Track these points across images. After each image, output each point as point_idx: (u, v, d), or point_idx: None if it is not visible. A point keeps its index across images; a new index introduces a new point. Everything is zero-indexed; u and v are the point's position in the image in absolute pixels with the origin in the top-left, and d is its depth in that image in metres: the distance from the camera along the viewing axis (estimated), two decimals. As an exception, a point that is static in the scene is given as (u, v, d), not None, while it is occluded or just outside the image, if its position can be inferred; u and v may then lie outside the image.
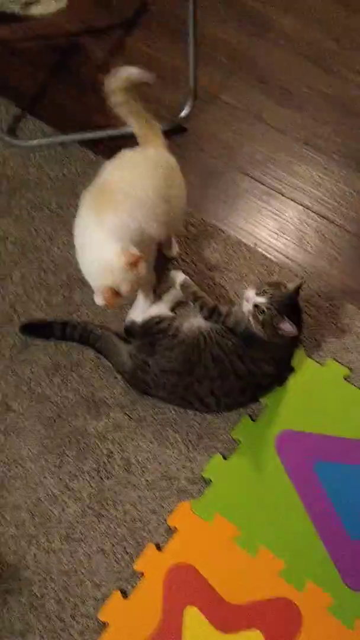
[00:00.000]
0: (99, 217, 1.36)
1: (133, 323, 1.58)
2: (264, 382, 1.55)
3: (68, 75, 2.11)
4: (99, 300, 1.35)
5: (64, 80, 2.10)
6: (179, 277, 1.61)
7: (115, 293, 1.33)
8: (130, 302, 1.61)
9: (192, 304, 1.59)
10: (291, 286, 1.47)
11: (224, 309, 1.55)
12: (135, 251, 1.32)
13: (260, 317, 1.44)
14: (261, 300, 1.44)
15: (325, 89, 2.10)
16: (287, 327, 1.43)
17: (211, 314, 1.54)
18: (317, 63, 2.15)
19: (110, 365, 1.61)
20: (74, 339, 1.63)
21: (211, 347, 1.50)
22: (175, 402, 1.54)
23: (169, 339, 1.50)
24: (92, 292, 1.64)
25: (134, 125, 1.52)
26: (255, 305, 1.45)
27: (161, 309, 1.59)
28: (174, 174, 1.51)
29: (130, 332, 1.59)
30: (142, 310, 1.58)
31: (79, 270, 1.63)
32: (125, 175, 1.44)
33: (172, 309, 1.63)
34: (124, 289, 1.34)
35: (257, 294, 1.45)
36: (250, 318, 1.47)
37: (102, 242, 1.34)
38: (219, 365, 1.49)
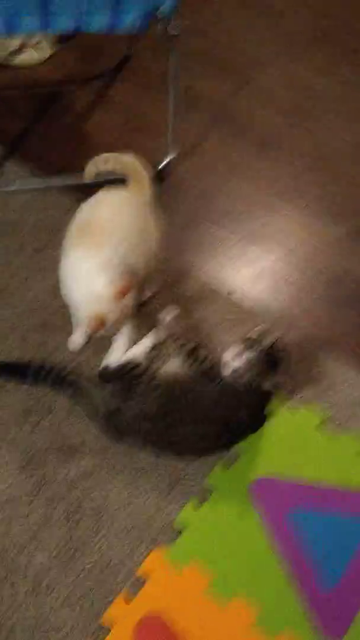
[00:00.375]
0: (87, 252, 1.44)
1: (107, 367, 1.57)
2: (238, 429, 1.53)
3: (50, 123, 2.16)
4: (77, 337, 1.49)
5: (46, 128, 2.14)
6: (173, 311, 1.61)
7: (101, 322, 1.39)
8: (106, 348, 1.61)
9: (173, 341, 1.59)
10: (266, 343, 1.52)
11: (203, 353, 1.55)
12: (123, 282, 1.41)
13: (240, 381, 1.48)
14: (238, 364, 1.49)
15: (302, 143, 2.17)
16: (266, 384, 1.48)
17: (191, 353, 1.54)
18: (295, 120, 2.22)
19: (83, 413, 1.59)
20: (47, 383, 1.61)
21: (187, 393, 1.49)
22: (149, 447, 1.52)
23: (145, 384, 1.49)
24: (67, 336, 1.65)
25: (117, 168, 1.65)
26: (234, 370, 1.49)
27: (137, 353, 1.58)
28: (149, 215, 1.59)
29: (104, 377, 1.57)
30: (118, 355, 1.57)
31: (55, 316, 1.64)
32: (107, 214, 1.52)
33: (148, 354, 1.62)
34: (111, 317, 1.41)
35: (235, 356, 1.50)
36: (231, 379, 1.50)
37: (92, 273, 1.43)
38: (194, 411, 1.48)
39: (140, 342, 1.61)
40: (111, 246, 1.46)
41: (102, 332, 1.45)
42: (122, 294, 1.40)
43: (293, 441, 1.59)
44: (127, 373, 1.52)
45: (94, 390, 1.56)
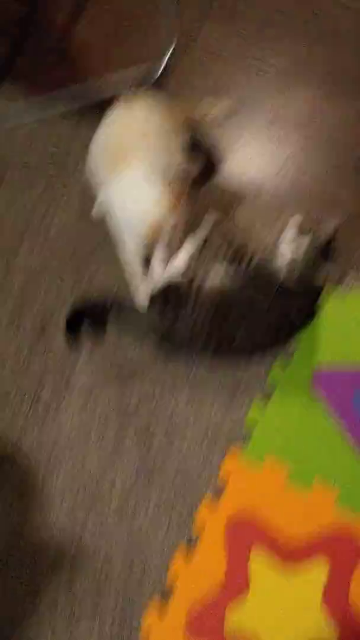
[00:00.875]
0: (130, 169, 1.43)
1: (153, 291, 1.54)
2: (292, 329, 1.53)
3: (35, 44, 2.03)
4: (142, 290, 1.45)
5: (32, 49, 2.01)
6: (213, 215, 1.58)
7: (157, 231, 1.40)
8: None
9: (220, 243, 1.56)
10: (327, 229, 1.50)
11: (248, 253, 1.53)
12: (175, 187, 1.42)
13: (296, 273, 1.46)
14: (295, 256, 1.48)
15: (304, 15, 1.99)
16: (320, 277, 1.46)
17: (236, 253, 1.52)
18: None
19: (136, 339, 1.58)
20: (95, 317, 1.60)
21: (237, 305, 1.47)
22: (209, 350, 1.50)
23: (192, 302, 1.47)
24: (100, 262, 1.62)
25: None
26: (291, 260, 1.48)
27: (178, 264, 1.53)
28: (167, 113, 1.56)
29: (152, 301, 1.54)
30: (159, 272, 1.53)
31: (83, 243, 1.59)
32: (135, 129, 1.49)
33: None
34: (170, 223, 1.40)
35: (289, 242, 1.49)
36: (286, 272, 1.48)
37: (143, 187, 1.42)
38: (247, 321, 1.47)
39: (179, 252, 1.56)
40: (151, 158, 1.45)
41: (160, 242, 1.44)
42: (177, 199, 1.40)
43: (346, 327, 1.57)
44: (172, 292, 1.49)
45: (140, 315, 1.54)
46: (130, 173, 1.43)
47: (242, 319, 1.46)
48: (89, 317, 1.59)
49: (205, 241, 1.52)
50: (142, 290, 1.53)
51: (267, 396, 1.52)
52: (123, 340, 1.59)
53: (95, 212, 1.71)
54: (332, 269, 1.58)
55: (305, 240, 1.48)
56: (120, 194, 1.45)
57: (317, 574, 1.36)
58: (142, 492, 1.46)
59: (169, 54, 1.91)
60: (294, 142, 1.82)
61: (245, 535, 1.40)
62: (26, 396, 1.58)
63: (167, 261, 1.53)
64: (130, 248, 1.53)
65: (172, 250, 1.54)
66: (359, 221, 1.68)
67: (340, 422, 1.48)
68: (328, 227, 1.47)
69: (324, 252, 1.47)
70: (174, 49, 1.90)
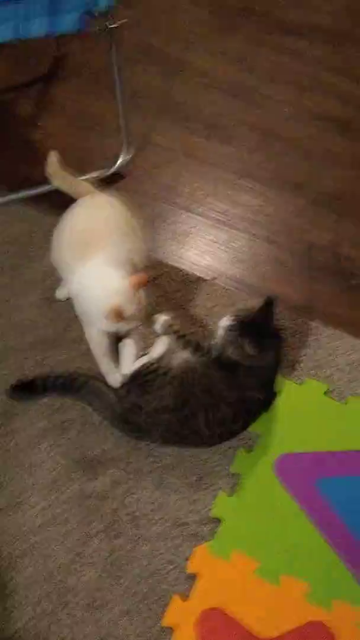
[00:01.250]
0: (95, 257, 1.48)
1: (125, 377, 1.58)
2: (253, 407, 1.56)
3: (-2, 135, 2.10)
4: (107, 324, 1.46)
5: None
6: (161, 318, 1.61)
7: (119, 314, 1.41)
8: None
9: (175, 343, 1.59)
10: (255, 305, 1.57)
11: (205, 344, 1.57)
12: (139, 274, 1.46)
13: (229, 339, 1.51)
14: (227, 323, 1.54)
15: (248, 119, 2.18)
16: (247, 347, 1.50)
17: (195, 350, 1.55)
18: (235, 95, 2.24)
19: (98, 415, 1.59)
20: (57, 387, 1.60)
21: (200, 379, 1.51)
22: (170, 440, 1.53)
23: (161, 378, 1.50)
24: (64, 351, 1.64)
25: (72, 192, 1.66)
26: (224, 328, 1.54)
27: (148, 360, 1.58)
28: (124, 208, 1.63)
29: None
30: (129, 364, 1.58)
31: (47, 330, 1.61)
32: (100, 218, 1.57)
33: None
34: (129, 310, 1.43)
35: (228, 320, 1.55)
36: (226, 343, 1.52)
37: (106, 273, 1.47)
38: (209, 396, 1.50)
39: (151, 350, 1.61)
40: (114, 244, 1.51)
41: (119, 326, 1.48)
42: (139, 284, 1.44)
43: (305, 413, 1.64)
44: (142, 372, 1.53)
45: (105, 389, 1.57)
46: (95, 262, 1.48)
47: (204, 399, 1.49)
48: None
49: (178, 334, 1.57)
50: (111, 376, 1.56)
51: (232, 486, 1.54)
52: (87, 426, 1.59)
53: (58, 293, 1.75)
54: (285, 355, 1.68)
55: (236, 317, 1.56)
56: (85, 281, 1.50)
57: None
58: (111, 584, 1.42)
59: (123, 154, 2.02)
60: (241, 237, 1.94)
61: (215, 636, 1.37)
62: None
63: (135, 353, 1.58)
64: (94, 334, 1.57)
65: (136, 338, 1.59)
66: (304, 313, 1.80)
67: (305, 511, 1.51)
68: (255, 304, 1.57)
69: (259, 330, 1.54)
70: (128, 149, 2.01)
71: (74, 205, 1.60)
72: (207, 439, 1.53)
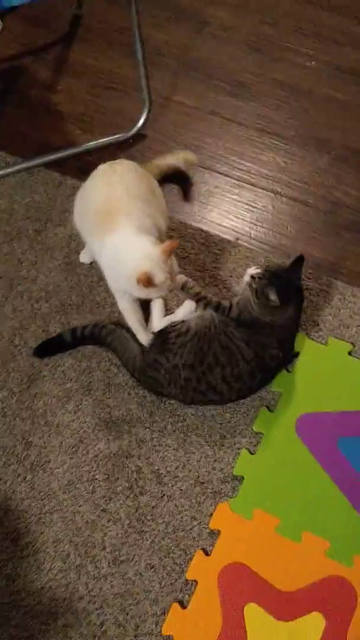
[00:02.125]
0: (120, 225, 1.47)
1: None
2: (271, 364, 1.56)
3: (18, 100, 2.09)
4: (138, 290, 1.46)
5: (15, 105, 2.08)
6: (180, 278, 1.61)
7: (150, 280, 1.41)
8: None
9: (196, 304, 1.61)
10: (288, 261, 1.57)
11: (226, 303, 1.58)
12: (169, 241, 1.46)
13: (255, 286, 1.52)
14: (256, 271, 1.54)
15: (272, 74, 2.13)
16: (272, 295, 1.49)
17: (216, 310, 1.56)
18: (259, 50, 2.18)
19: (122, 364, 1.62)
20: (86, 338, 1.65)
21: (219, 336, 1.53)
22: (188, 397, 1.55)
23: (182, 337, 1.52)
24: (89, 315, 1.66)
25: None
26: (252, 277, 1.54)
27: (175, 319, 1.61)
28: (144, 172, 1.63)
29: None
30: (156, 322, 1.60)
31: (71, 294, 1.64)
32: (121, 186, 1.53)
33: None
34: (160, 276, 1.43)
35: (256, 268, 1.56)
36: (249, 292, 1.53)
37: (134, 240, 1.47)
38: (227, 352, 1.51)
39: (177, 310, 1.63)
40: (137, 210, 1.51)
41: (156, 292, 1.49)
42: (169, 252, 1.44)
43: (328, 373, 1.64)
44: (164, 331, 1.55)
45: (131, 341, 1.60)
46: (123, 230, 1.48)
47: (222, 355, 1.51)
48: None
49: (197, 296, 1.59)
50: (142, 336, 1.59)
51: (254, 445, 1.56)
52: (112, 387, 1.62)
53: (82, 257, 1.77)
54: (305, 322, 1.68)
55: (254, 270, 1.56)
56: (114, 250, 1.49)
57: (313, 630, 1.36)
58: (136, 539, 1.46)
59: (144, 114, 2.00)
60: (265, 196, 1.92)
61: (238, 590, 1.40)
62: (17, 442, 1.57)
63: (164, 312, 1.61)
64: (126, 302, 1.59)
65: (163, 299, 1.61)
66: (330, 272, 1.78)
67: (326, 469, 1.52)
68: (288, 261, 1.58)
69: (287, 286, 1.53)
70: (149, 109, 1.99)
71: (94, 172, 1.60)
72: (224, 395, 1.55)
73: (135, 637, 1.38)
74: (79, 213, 1.63)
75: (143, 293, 1.47)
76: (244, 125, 2.04)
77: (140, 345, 1.59)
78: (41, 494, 1.51)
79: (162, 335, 1.55)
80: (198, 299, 1.59)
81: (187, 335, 1.53)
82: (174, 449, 1.55)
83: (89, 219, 1.56)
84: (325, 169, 1.95)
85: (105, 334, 1.64)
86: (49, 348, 1.67)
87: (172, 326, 1.56)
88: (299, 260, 1.58)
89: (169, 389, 1.55)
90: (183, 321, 1.56)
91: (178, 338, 1.53)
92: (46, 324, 1.70)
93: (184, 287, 1.60)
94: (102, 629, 1.39)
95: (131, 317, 1.60)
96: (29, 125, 2.03)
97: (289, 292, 1.53)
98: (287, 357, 1.62)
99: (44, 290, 1.75)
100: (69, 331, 1.66)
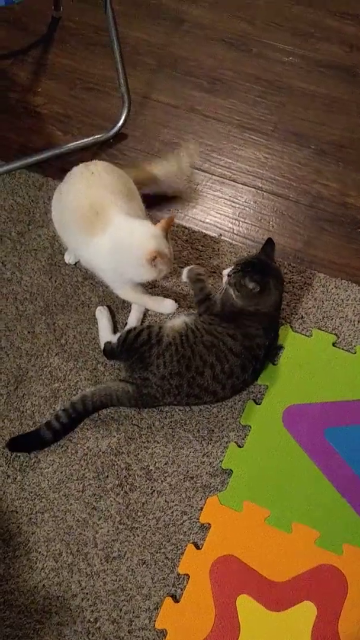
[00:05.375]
0: (115, 217, 1.50)
1: (109, 344, 1.62)
2: (260, 353, 1.56)
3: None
4: (148, 271, 1.50)
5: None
6: (188, 268, 1.67)
7: (160, 257, 1.46)
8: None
9: (191, 285, 1.65)
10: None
11: (214, 297, 1.61)
12: (166, 218, 1.52)
13: (233, 281, 1.55)
14: (230, 268, 1.58)
15: (250, 70, 2.15)
16: (250, 283, 1.52)
17: (205, 299, 1.60)
18: (236, 47, 2.20)
19: (120, 406, 1.61)
20: (71, 425, 1.56)
21: (202, 337, 1.53)
22: (184, 402, 1.56)
23: (156, 347, 1.53)
24: (74, 314, 1.67)
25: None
26: (228, 275, 1.57)
27: (130, 321, 1.66)
28: (121, 172, 1.64)
29: (111, 354, 1.62)
30: (108, 329, 1.66)
31: (56, 294, 1.64)
32: (96, 189, 1.55)
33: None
34: (166, 253, 1.49)
35: (230, 268, 1.59)
36: (230, 290, 1.56)
37: (134, 224, 1.51)
38: (214, 350, 1.52)
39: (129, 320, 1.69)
40: (124, 204, 1.53)
41: (164, 270, 1.52)
42: (169, 224, 1.51)
43: (313, 365, 1.65)
44: (133, 343, 1.55)
45: (114, 385, 1.58)
46: (116, 221, 1.50)
47: (206, 359, 1.51)
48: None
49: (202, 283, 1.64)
50: (159, 304, 1.63)
51: (242, 438, 1.57)
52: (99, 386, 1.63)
53: (67, 258, 1.77)
54: (289, 315, 1.69)
55: (228, 269, 1.59)
56: (111, 243, 1.50)
57: (304, 619, 1.38)
58: (127, 536, 1.47)
59: (124, 114, 2.01)
60: (247, 191, 1.93)
61: (230, 582, 1.41)
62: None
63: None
64: (130, 290, 1.62)
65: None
66: (313, 265, 1.79)
67: (314, 460, 1.54)
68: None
69: (262, 271, 1.55)
70: (129, 108, 2.00)
71: (69, 175, 1.60)
72: (218, 394, 1.55)
73: (130, 632, 1.39)
74: (58, 218, 1.64)
75: (153, 274, 1.51)
76: (224, 122, 2.05)
77: (122, 380, 1.59)
78: (31, 494, 1.52)
79: (136, 353, 1.55)
80: (198, 279, 1.62)
81: (161, 345, 1.53)
82: (162, 445, 1.56)
83: (73, 223, 1.56)
84: (305, 163, 1.97)
85: (91, 407, 1.57)
86: (26, 442, 1.58)
87: (137, 337, 1.56)
88: (268, 243, 1.62)
89: (165, 399, 1.55)
90: (149, 331, 1.56)
91: (152, 350, 1.53)
92: (32, 325, 1.71)
93: (190, 271, 1.65)
94: (96, 626, 1.40)
95: (139, 300, 1.65)
96: (9, 127, 2.04)
97: (264, 276, 1.55)
98: (273, 344, 1.63)
99: (29, 292, 1.75)
100: (45, 426, 1.55)
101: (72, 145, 1.98)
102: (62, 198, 1.60)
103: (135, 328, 1.59)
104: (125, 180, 1.62)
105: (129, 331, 1.58)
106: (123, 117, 2.00)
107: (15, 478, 1.54)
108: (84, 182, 1.56)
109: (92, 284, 1.74)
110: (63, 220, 1.61)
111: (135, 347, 1.55)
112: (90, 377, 1.64)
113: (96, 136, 2.00)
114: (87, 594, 1.42)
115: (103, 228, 1.50)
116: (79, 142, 1.98)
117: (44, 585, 1.43)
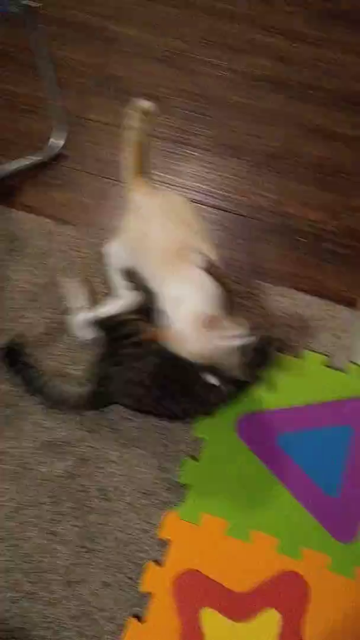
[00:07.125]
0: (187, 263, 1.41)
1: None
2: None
3: None
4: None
5: None
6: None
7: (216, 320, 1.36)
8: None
9: None
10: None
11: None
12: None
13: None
14: None
15: (185, 86, 2.18)
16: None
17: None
18: (169, 64, 2.23)
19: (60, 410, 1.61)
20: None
21: (174, 369, 1.48)
22: (141, 409, 1.56)
23: (134, 347, 1.52)
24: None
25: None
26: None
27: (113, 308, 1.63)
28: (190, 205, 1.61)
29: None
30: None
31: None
32: (179, 225, 1.50)
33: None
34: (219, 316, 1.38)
35: None
36: None
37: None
38: (187, 376, 1.47)
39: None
40: (197, 246, 1.46)
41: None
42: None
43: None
44: (116, 329, 1.54)
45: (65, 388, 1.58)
46: (187, 270, 1.41)
47: (178, 384, 1.50)
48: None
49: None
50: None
51: (196, 451, 1.57)
52: (50, 411, 1.61)
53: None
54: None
55: None
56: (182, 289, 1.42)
57: (269, 625, 1.39)
58: (88, 559, 1.46)
59: (62, 135, 2.01)
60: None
61: (193, 597, 1.41)
62: None
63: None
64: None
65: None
66: (255, 274, 1.82)
67: (269, 467, 1.55)
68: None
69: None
70: (66, 129, 2.00)
71: (147, 208, 1.54)
72: (179, 416, 1.57)
73: (95, 656, 1.37)
74: (136, 255, 1.55)
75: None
76: (161, 139, 2.07)
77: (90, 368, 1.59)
78: (-14, 522, 1.49)
79: (112, 340, 1.55)
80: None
81: (138, 347, 1.51)
82: (117, 464, 1.56)
83: (158, 261, 1.47)
84: (243, 175, 2.01)
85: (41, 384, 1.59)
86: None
87: (121, 325, 1.55)
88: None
89: (121, 399, 1.54)
90: (135, 328, 1.54)
91: (129, 349, 1.52)
92: None
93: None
94: (59, 651, 1.38)
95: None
96: None
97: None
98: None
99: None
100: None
101: (11, 167, 1.96)
102: (146, 227, 1.51)
103: (121, 315, 1.56)
104: (195, 216, 1.56)
105: (114, 316, 1.55)
106: (53, 139, 2.00)
107: (-31, 509, 1.51)
108: (171, 216, 1.52)
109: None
110: (147, 254, 1.50)
111: (114, 335, 1.53)
112: (40, 401, 1.62)
113: (34, 158, 1.99)
114: (50, 622, 1.40)
115: (177, 268, 1.42)
116: (19, 164, 1.97)
117: (4, 617, 1.40)
